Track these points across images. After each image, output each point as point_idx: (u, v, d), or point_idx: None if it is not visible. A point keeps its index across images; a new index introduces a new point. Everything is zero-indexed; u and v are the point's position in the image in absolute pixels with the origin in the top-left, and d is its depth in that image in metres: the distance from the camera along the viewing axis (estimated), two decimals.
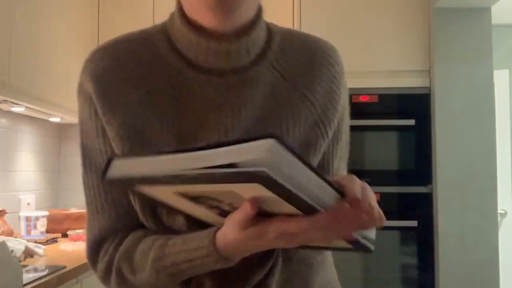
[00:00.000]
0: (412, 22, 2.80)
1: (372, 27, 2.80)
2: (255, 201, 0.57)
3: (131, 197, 0.73)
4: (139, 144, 0.71)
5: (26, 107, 2.32)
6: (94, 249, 0.77)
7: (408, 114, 2.73)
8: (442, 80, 2.71)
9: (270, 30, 0.79)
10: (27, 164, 2.85)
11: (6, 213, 2.44)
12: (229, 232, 0.61)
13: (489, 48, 2.71)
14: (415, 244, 2.72)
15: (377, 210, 0.59)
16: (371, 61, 2.77)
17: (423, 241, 2.71)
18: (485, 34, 2.71)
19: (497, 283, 2.64)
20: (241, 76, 0.74)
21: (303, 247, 0.65)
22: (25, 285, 1.52)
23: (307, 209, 0.56)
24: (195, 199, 0.61)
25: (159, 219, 0.73)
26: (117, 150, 0.72)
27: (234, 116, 0.72)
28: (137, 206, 0.74)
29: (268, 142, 0.50)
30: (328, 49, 0.80)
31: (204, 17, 0.72)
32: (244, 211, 0.58)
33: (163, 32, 0.77)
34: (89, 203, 0.78)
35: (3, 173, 2.61)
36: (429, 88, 2.77)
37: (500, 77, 3.61)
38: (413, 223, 2.67)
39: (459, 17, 2.72)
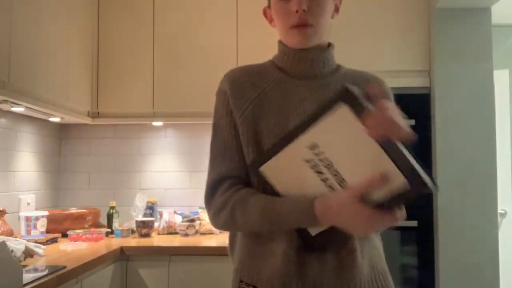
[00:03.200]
0: (412, 22, 2.80)
1: (372, 28, 2.80)
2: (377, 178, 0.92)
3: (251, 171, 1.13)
4: (256, 117, 1.15)
5: (26, 107, 2.32)
6: (211, 190, 1.15)
7: (408, 114, 2.71)
8: (442, 80, 2.71)
9: (339, 64, 1.26)
10: (27, 164, 2.85)
11: (6, 213, 2.45)
12: (337, 196, 0.96)
13: (489, 48, 2.71)
14: (415, 244, 2.72)
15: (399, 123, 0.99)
16: (371, 61, 2.77)
17: (423, 241, 2.71)
18: (485, 34, 2.71)
19: (497, 283, 2.64)
20: (319, 81, 1.19)
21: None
22: (25, 285, 1.52)
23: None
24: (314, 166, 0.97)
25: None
26: (239, 123, 1.15)
27: (313, 105, 1.14)
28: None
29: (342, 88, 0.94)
30: (377, 77, 1.26)
31: (293, 39, 1.19)
32: (370, 177, 0.91)
33: (271, 61, 1.26)
34: (212, 157, 1.18)
35: (3, 173, 2.61)
36: (429, 88, 2.77)
37: (500, 77, 3.61)
38: (413, 223, 2.67)
39: (459, 17, 2.72)
